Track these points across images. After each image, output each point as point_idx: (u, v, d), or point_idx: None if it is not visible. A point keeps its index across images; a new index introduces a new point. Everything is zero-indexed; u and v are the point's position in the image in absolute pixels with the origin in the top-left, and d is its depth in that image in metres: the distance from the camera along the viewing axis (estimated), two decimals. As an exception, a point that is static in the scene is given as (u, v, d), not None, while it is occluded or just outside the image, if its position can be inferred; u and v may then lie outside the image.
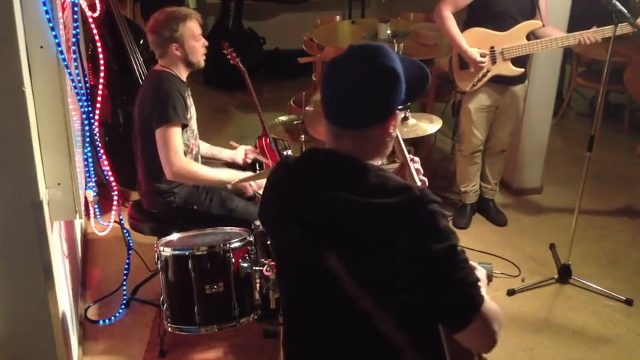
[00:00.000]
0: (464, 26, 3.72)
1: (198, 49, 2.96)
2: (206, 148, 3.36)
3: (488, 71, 3.69)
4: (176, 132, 2.83)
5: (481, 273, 1.57)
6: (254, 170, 3.39)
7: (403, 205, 1.42)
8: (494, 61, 3.67)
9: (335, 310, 1.55)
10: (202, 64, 3.01)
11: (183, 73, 2.99)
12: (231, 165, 3.37)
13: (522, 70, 3.69)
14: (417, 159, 1.92)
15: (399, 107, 1.53)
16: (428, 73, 1.60)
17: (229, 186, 3.13)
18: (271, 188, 1.68)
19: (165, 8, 2.94)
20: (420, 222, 1.42)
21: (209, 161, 3.32)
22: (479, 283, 1.45)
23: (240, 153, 3.39)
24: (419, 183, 1.86)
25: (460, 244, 1.46)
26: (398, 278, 1.43)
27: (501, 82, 3.75)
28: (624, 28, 3.29)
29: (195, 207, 3.05)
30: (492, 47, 3.64)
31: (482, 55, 3.64)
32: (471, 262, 1.50)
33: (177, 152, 2.83)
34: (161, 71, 2.96)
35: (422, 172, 1.93)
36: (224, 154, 3.40)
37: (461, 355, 1.55)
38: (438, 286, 1.43)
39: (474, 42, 3.66)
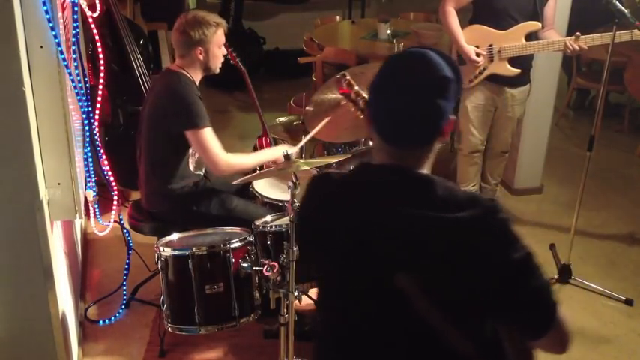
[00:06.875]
0: (468, 23, 3.72)
1: (219, 57, 3.05)
2: None
3: (484, 69, 3.69)
4: (209, 132, 2.92)
5: None
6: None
7: (477, 218, 1.37)
8: (491, 60, 3.66)
9: (399, 326, 1.46)
10: (218, 71, 3.09)
11: (198, 76, 3.04)
12: None
13: (518, 70, 3.67)
14: None
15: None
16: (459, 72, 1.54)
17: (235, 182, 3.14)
18: (316, 205, 1.60)
19: (197, 12, 3.01)
20: (495, 233, 1.38)
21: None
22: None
23: None
24: None
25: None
26: (476, 292, 1.38)
27: (498, 81, 3.74)
28: (623, 36, 3.30)
29: (195, 207, 3.06)
30: (491, 45, 3.64)
31: (478, 54, 3.64)
32: None
33: (217, 152, 2.92)
34: (177, 72, 2.99)
35: None
36: None
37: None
38: (520, 295, 1.39)
39: (473, 39, 3.65)
